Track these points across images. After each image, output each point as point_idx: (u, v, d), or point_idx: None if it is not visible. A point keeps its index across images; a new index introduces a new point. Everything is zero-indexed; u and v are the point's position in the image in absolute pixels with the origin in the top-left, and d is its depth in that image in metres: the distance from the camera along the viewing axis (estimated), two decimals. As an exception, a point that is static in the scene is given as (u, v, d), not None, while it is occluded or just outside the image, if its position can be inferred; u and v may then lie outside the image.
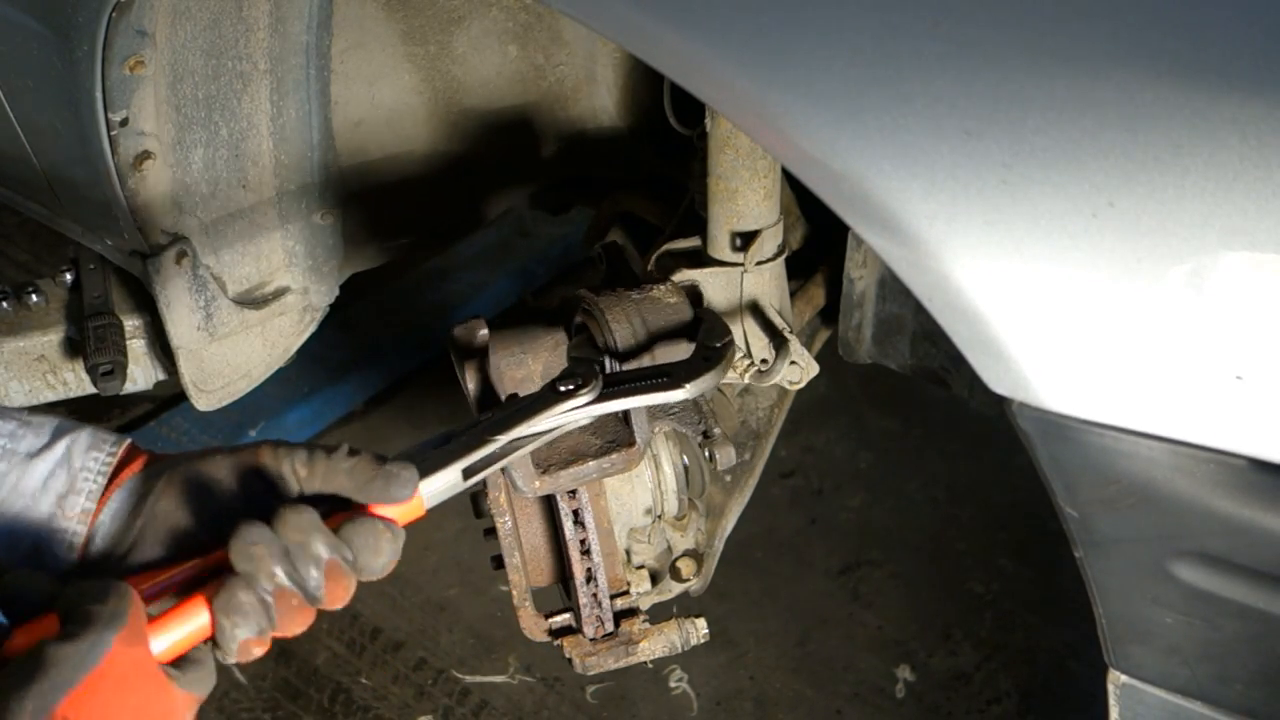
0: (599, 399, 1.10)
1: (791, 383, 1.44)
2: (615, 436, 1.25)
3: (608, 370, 1.21)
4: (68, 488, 0.98)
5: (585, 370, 1.11)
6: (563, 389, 1.09)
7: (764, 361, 1.45)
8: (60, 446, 0.99)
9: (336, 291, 1.82)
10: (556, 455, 1.23)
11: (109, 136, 1.46)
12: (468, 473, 1.00)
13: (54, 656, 0.80)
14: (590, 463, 1.21)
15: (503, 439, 1.04)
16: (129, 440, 1.03)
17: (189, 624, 0.88)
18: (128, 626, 0.82)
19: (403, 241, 1.90)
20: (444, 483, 0.98)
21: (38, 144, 1.61)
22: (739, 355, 1.39)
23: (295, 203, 1.68)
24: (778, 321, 1.44)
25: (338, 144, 1.71)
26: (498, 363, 1.27)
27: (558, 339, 1.32)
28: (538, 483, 1.19)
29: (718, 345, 1.21)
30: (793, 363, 1.42)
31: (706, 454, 1.31)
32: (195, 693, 0.88)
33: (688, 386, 1.14)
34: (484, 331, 1.26)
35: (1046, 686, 2.20)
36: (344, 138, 1.73)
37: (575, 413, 1.09)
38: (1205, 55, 0.79)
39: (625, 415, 1.24)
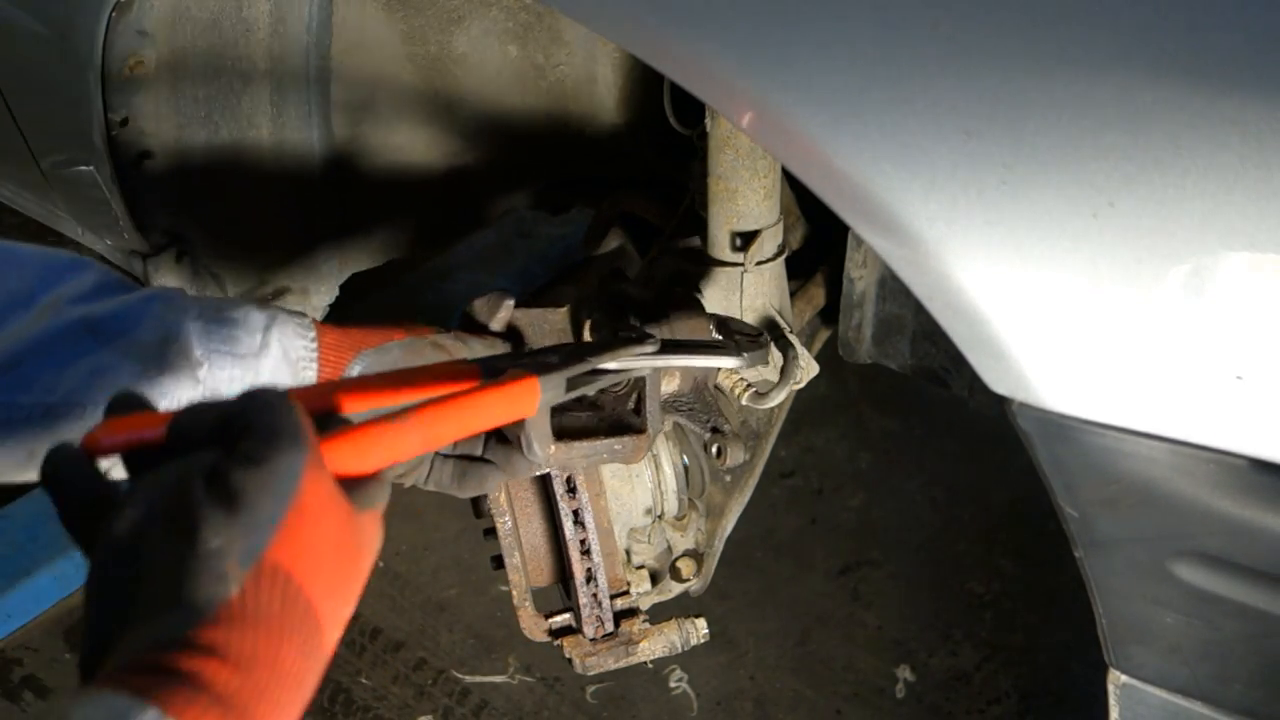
0: (660, 352, 1.14)
1: (794, 383, 1.44)
2: (626, 423, 1.25)
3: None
4: (292, 378, 1.07)
5: (639, 330, 1.16)
6: (625, 336, 1.13)
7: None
8: (274, 342, 1.06)
9: (336, 291, 1.82)
10: (570, 430, 1.22)
11: (109, 136, 1.46)
12: (570, 384, 1.04)
13: (249, 485, 0.65)
14: (602, 440, 1.21)
15: (593, 362, 1.07)
16: (312, 319, 1.12)
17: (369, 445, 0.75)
18: (312, 446, 0.68)
19: (403, 241, 1.90)
20: (554, 386, 1.01)
21: (38, 144, 1.61)
22: (734, 379, 1.40)
23: (295, 202, 1.68)
24: (779, 322, 1.44)
25: (337, 144, 1.71)
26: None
27: (562, 338, 1.33)
28: (553, 448, 1.17)
29: (756, 334, 1.26)
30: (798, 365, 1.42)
31: (715, 449, 1.31)
32: (376, 508, 0.75)
33: (744, 356, 1.20)
34: (510, 302, 1.27)
35: (1046, 686, 2.20)
36: (344, 138, 1.73)
37: (640, 360, 1.13)
38: (1205, 55, 0.79)
39: (637, 404, 1.25)
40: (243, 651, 0.62)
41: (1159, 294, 0.82)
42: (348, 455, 0.73)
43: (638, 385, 1.25)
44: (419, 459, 1.16)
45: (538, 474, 1.33)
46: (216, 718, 0.59)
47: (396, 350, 1.15)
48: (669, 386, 1.33)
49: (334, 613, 0.70)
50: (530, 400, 0.98)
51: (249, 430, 0.67)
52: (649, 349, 1.13)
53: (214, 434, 0.69)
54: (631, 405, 1.26)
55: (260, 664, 0.63)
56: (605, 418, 1.27)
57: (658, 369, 1.26)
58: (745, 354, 1.20)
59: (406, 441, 0.78)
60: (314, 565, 0.67)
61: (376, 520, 0.75)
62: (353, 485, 0.73)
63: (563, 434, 1.18)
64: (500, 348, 1.25)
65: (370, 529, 0.74)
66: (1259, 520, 0.86)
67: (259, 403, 0.68)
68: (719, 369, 1.39)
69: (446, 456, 1.20)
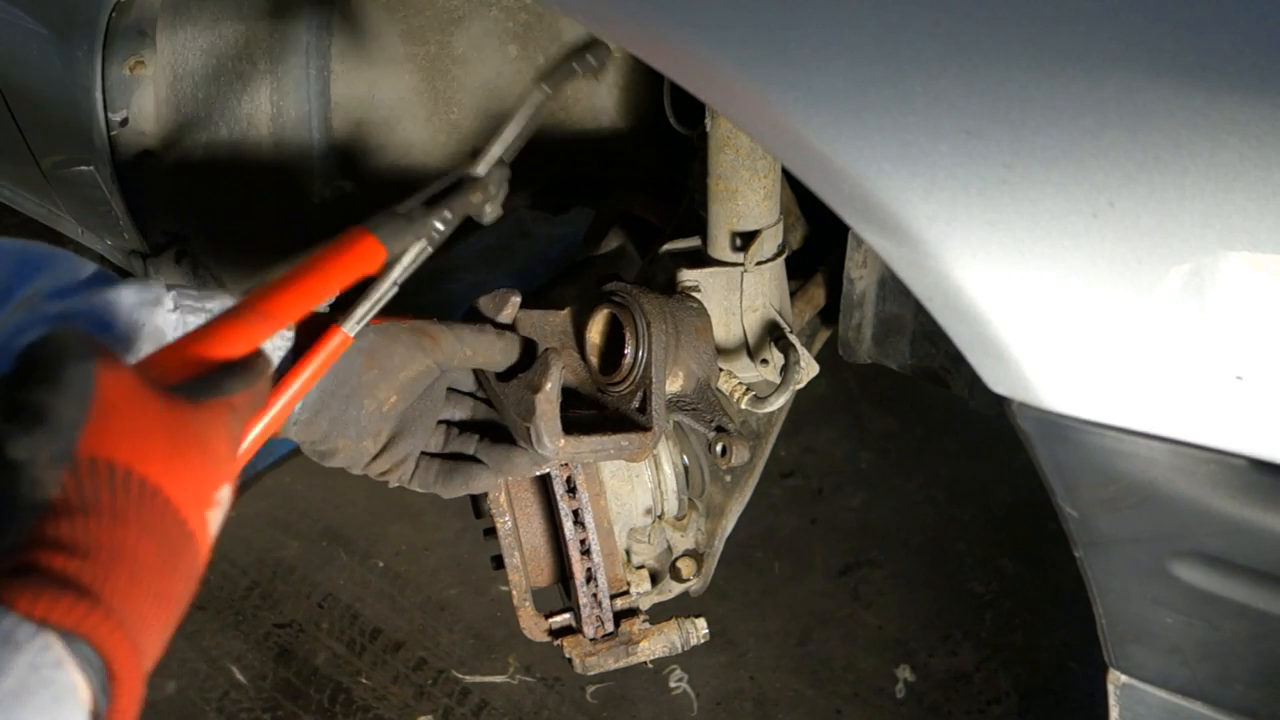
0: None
1: (794, 385, 1.44)
2: (631, 421, 1.25)
3: (636, 366, 1.27)
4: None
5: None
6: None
7: (764, 361, 1.45)
8: None
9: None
10: (577, 426, 1.22)
11: (109, 136, 1.46)
12: (427, 221, 1.05)
13: (41, 398, 0.69)
14: (610, 435, 1.21)
15: (436, 185, 1.08)
16: None
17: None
18: (100, 351, 0.72)
19: (403, 241, 1.89)
20: (399, 231, 1.03)
21: (38, 144, 1.61)
22: (733, 383, 1.40)
23: (295, 202, 1.68)
24: (779, 322, 1.44)
25: (337, 144, 1.71)
26: None
27: (564, 340, 1.33)
28: (563, 440, 1.17)
29: None
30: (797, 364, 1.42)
31: (720, 448, 1.31)
32: (220, 398, 0.78)
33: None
34: (517, 299, 1.27)
35: (1046, 686, 2.20)
36: (344, 138, 1.73)
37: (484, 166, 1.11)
38: (1205, 55, 0.79)
39: (642, 403, 1.25)
40: (77, 539, 0.65)
41: (1159, 294, 0.82)
42: (192, 352, 0.79)
43: (643, 384, 1.25)
44: (403, 455, 1.16)
45: (537, 474, 1.33)
46: (66, 598, 0.62)
47: (371, 334, 1.14)
48: (673, 386, 1.33)
49: (194, 495, 0.73)
50: (373, 254, 0.98)
51: (35, 361, 0.70)
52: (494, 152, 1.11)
53: (8, 380, 0.72)
54: (636, 404, 1.27)
55: (102, 546, 0.66)
56: (611, 415, 1.27)
57: (663, 371, 1.26)
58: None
59: (247, 327, 0.82)
60: (141, 450, 0.70)
61: (225, 409, 0.78)
62: (191, 383, 0.77)
63: (570, 429, 1.18)
64: (509, 342, 1.24)
65: (215, 418, 0.77)
66: (1259, 520, 0.86)
67: (39, 340, 0.72)
68: (720, 368, 1.39)
69: (433, 456, 1.20)
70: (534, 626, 1.40)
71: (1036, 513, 2.49)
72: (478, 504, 1.40)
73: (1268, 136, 0.77)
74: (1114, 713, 1.06)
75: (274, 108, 1.58)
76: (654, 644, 1.39)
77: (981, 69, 0.83)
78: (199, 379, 0.79)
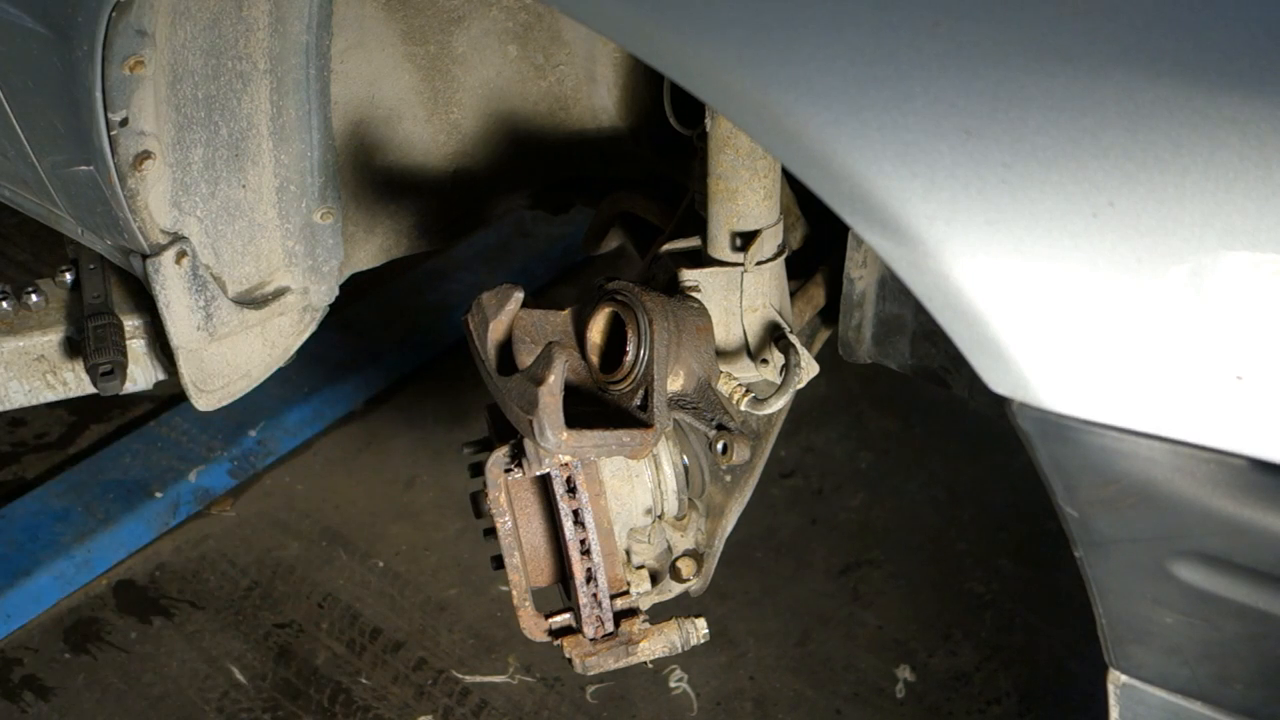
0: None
1: (795, 386, 1.44)
2: (633, 418, 1.26)
3: (638, 364, 1.28)
4: None
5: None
6: None
7: (764, 362, 1.45)
8: None
9: (336, 291, 1.82)
10: (581, 420, 1.22)
11: (109, 136, 1.46)
12: None
13: None
14: (612, 431, 1.21)
15: None
16: None
17: None
18: None
19: (403, 241, 1.90)
20: None
21: (38, 144, 1.61)
22: (732, 384, 1.40)
23: (295, 202, 1.68)
24: (779, 322, 1.44)
25: (338, 144, 1.71)
26: (514, 342, 1.28)
27: (565, 339, 1.33)
28: (565, 434, 1.17)
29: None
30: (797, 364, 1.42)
31: (721, 446, 1.31)
32: None
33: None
34: (519, 294, 1.27)
35: (1046, 686, 2.20)
36: (344, 138, 1.73)
37: None
38: (1205, 55, 0.79)
39: (644, 401, 1.25)
40: None
41: (1159, 294, 0.82)
42: None
43: (644, 381, 1.25)
44: None
45: (538, 473, 1.33)
46: None
47: None
48: (674, 385, 1.33)
49: None
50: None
51: None
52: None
53: None
54: (638, 402, 1.27)
55: None
56: (612, 412, 1.27)
57: (664, 369, 1.26)
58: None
59: None
60: None
61: None
62: None
63: (572, 424, 1.18)
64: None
65: None
66: (1259, 520, 0.86)
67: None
68: (720, 369, 1.39)
69: None
70: (534, 626, 1.40)
71: (1036, 513, 2.49)
72: (478, 504, 1.39)
73: (1268, 136, 0.77)
74: (1114, 713, 1.06)
75: (274, 108, 1.58)
76: (654, 644, 1.39)
77: (981, 69, 0.83)
78: None
